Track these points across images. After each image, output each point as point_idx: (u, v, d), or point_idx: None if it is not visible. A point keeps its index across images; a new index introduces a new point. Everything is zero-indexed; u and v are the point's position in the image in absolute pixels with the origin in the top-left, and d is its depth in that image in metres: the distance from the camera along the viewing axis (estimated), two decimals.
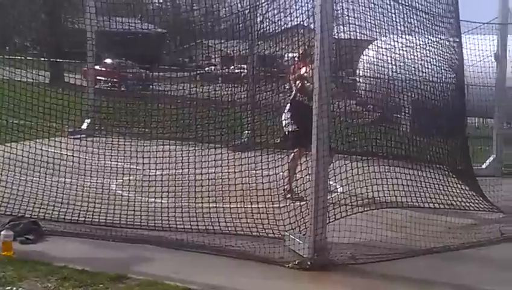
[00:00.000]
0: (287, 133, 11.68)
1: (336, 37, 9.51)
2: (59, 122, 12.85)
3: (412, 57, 10.76)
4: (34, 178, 10.84)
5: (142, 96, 19.35)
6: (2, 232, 8.44)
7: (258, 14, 14.59)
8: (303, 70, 11.55)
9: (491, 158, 15.41)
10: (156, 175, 11.34)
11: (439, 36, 11.08)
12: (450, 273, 8.47)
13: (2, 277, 7.35)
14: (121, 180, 11.78)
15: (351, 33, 10.25)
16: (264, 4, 14.42)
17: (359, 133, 11.11)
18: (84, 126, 16.33)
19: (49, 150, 11.51)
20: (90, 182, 11.03)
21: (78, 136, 14.67)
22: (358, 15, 9.94)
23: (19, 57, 15.20)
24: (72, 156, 11.63)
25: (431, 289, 7.85)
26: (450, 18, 11.31)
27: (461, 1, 11.61)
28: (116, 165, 11.68)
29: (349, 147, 10.70)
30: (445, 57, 11.16)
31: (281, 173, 10.42)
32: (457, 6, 11.56)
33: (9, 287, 7.06)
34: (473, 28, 15.98)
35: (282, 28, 12.39)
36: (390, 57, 10.56)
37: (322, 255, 8.26)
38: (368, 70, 11.81)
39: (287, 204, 9.58)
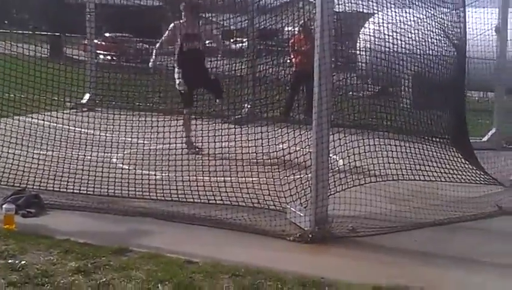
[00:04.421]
0: None
1: (336, 9, 9.47)
2: (60, 95, 12.88)
3: (413, 30, 10.73)
4: (36, 151, 10.85)
5: (141, 70, 19.33)
6: (4, 206, 8.48)
7: None
8: None
9: (492, 131, 15.40)
10: (156, 149, 11.36)
11: (441, 9, 11.03)
12: (452, 246, 8.51)
13: (5, 250, 7.36)
14: (122, 154, 11.79)
15: (351, 6, 10.23)
16: None
17: (359, 106, 11.13)
18: (85, 99, 16.29)
19: (50, 123, 11.54)
20: (91, 156, 11.02)
21: (79, 109, 14.70)
22: None
23: (18, 31, 15.16)
24: (73, 129, 11.66)
25: (433, 262, 7.85)
26: None
27: None
28: (117, 139, 11.67)
29: (349, 120, 10.74)
30: (446, 30, 11.12)
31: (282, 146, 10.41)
32: None
33: (11, 260, 7.07)
34: (474, 1, 15.93)
35: (282, 1, 12.37)
36: (391, 30, 10.53)
37: (323, 228, 8.30)
38: (368, 44, 11.79)
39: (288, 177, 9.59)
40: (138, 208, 9.32)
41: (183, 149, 11.85)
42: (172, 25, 13.12)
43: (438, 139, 11.05)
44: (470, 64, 16.21)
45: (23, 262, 7.02)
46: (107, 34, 25.36)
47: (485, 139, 15.24)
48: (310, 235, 8.19)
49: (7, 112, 11.68)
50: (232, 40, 22.48)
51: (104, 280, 6.67)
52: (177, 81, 12.71)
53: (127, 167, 11.04)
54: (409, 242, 8.48)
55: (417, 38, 10.68)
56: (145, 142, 11.92)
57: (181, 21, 13.13)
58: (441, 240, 8.72)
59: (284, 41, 18.11)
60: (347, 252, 8.02)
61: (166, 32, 13.15)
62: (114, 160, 11.43)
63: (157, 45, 13.30)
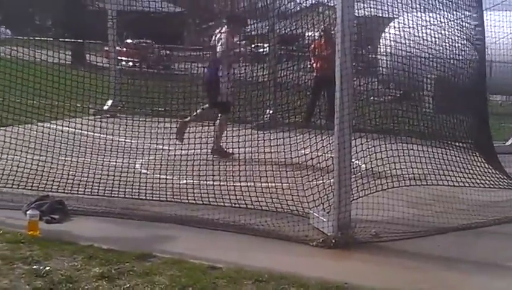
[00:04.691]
0: None
1: (357, 14, 9.47)
2: (83, 102, 12.97)
3: (434, 34, 10.71)
4: (59, 157, 10.92)
5: (163, 76, 19.39)
6: (28, 212, 8.52)
7: None
8: None
9: None
10: (180, 154, 11.38)
11: (461, 12, 11.00)
12: (475, 251, 8.47)
13: (29, 256, 7.41)
14: (145, 160, 11.83)
15: (372, 10, 10.22)
16: None
17: (381, 110, 11.10)
18: (108, 105, 16.36)
19: (74, 129, 11.61)
20: (116, 161, 11.05)
21: (102, 116, 14.77)
22: None
23: (41, 38, 15.26)
24: (98, 136, 11.73)
25: (456, 267, 7.83)
26: None
27: None
28: (141, 144, 11.71)
29: (371, 124, 10.72)
30: (467, 34, 11.09)
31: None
32: None
33: (36, 266, 7.12)
34: (496, 4, 15.87)
35: (303, 6, 12.37)
36: (412, 34, 10.51)
37: (346, 233, 8.29)
38: (389, 48, 11.77)
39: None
40: (161, 214, 9.35)
41: (208, 155, 11.91)
42: (229, 32, 13.19)
43: (460, 144, 11.01)
44: (493, 67, 16.17)
45: (47, 268, 7.06)
46: (128, 41, 25.48)
47: (508, 143, 15.15)
48: (333, 241, 8.18)
49: (31, 119, 11.76)
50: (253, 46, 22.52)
51: (128, 285, 6.71)
52: (227, 91, 13.02)
53: (150, 173, 11.07)
54: (432, 247, 8.46)
55: (438, 42, 10.65)
56: (169, 147, 11.95)
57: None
58: (464, 245, 8.68)
59: (305, 46, 18.12)
60: (370, 258, 8.01)
61: (227, 40, 13.14)
62: (137, 166, 11.47)
63: (223, 53, 13.22)
